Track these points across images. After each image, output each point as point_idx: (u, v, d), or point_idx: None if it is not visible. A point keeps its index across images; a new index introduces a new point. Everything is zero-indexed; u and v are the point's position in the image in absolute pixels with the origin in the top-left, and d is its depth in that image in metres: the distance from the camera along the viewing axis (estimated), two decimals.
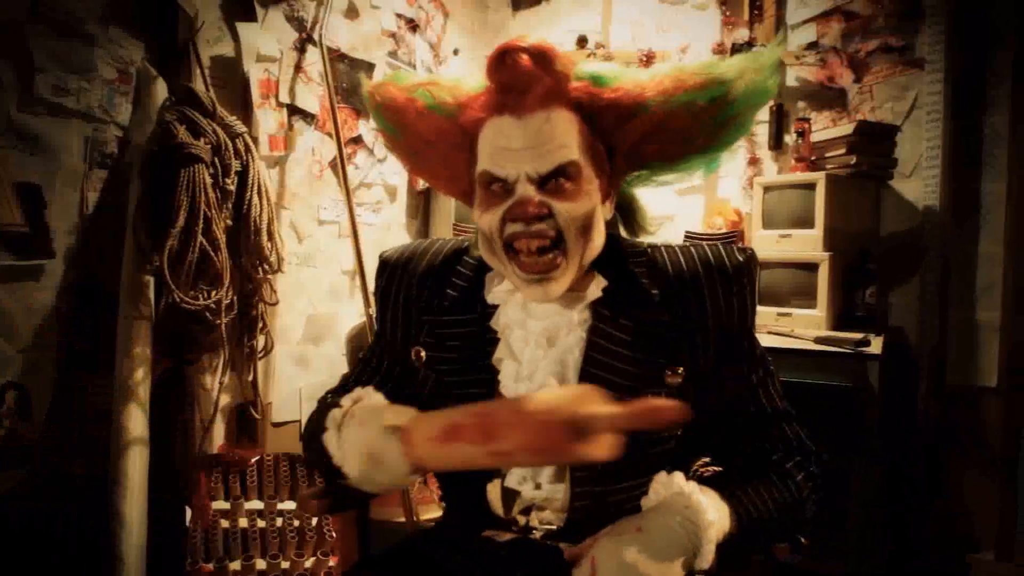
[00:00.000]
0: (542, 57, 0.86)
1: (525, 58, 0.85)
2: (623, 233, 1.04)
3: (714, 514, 0.80)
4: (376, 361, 1.11)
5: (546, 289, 0.90)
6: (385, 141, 1.08)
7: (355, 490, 0.85)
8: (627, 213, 1.03)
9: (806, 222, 2.21)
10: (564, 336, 0.94)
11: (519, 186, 0.88)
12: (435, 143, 0.97)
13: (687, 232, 2.60)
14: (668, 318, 0.93)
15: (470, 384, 0.97)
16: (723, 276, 0.94)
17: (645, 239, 1.04)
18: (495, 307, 0.98)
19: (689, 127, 0.90)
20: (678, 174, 0.98)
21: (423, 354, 1.01)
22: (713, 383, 0.95)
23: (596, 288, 0.95)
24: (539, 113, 0.87)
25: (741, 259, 0.96)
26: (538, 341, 0.94)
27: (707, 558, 0.78)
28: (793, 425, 0.98)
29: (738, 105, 0.89)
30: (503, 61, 0.87)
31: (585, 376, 0.91)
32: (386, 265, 1.08)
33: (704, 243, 0.99)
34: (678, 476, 0.84)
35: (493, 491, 0.95)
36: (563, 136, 0.87)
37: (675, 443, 0.95)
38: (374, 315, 1.12)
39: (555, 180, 0.88)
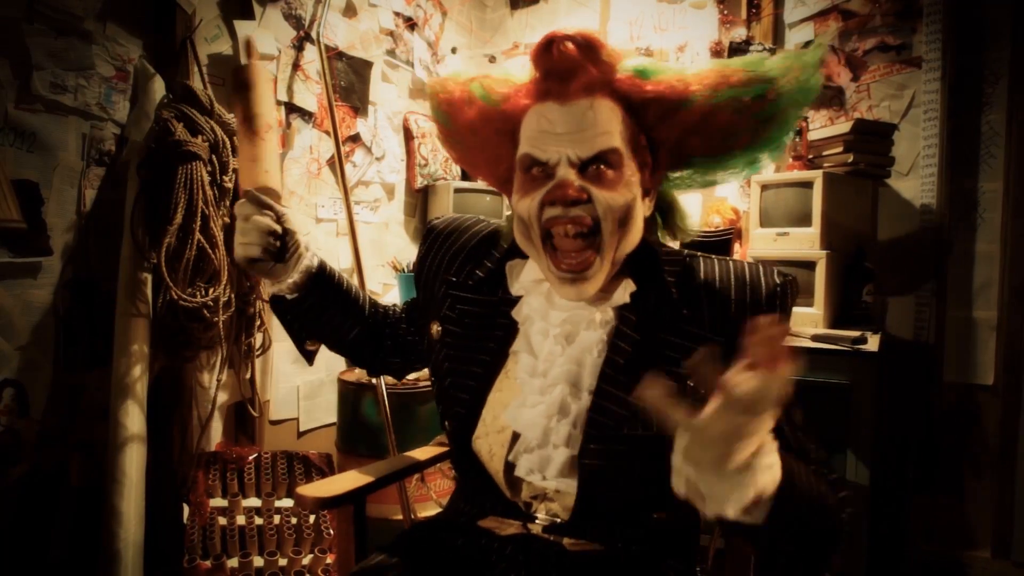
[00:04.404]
0: (589, 47, 0.87)
1: (571, 47, 0.86)
2: (662, 235, 1.03)
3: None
4: (406, 312, 1.21)
5: (580, 289, 0.90)
6: (439, 133, 1.10)
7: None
8: (667, 214, 1.02)
9: (803, 220, 2.21)
10: (583, 333, 0.93)
11: (559, 169, 0.88)
12: (479, 130, 0.99)
13: None
14: (695, 331, 0.91)
15: (473, 363, 0.99)
16: (755, 299, 0.93)
17: (685, 241, 1.03)
18: (515, 297, 0.99)
19: (733, 123, 0.89)
20: (721, 174, 0.97)
21: (437, 328, 1.04)
22: None
23: (624, 292, 0.93)
24: (583, 100, 0.87)
25: (778, 282, 0.94)
26: (556, 337, 0.94)
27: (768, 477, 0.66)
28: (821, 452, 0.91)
29: (782, 102, 0.88)
30: (549, 49, 0.87)
31: (604, 380, 0.90)
32: (431, 232, 1.14)
33: (746, 262, 0.97)
34: None
35: (497, 474, 0.96)
36: (606, 123, 0.88)
37: None
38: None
39: (596, 167, 0.88)
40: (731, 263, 0.96)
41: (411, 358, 1.22)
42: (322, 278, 1.10)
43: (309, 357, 1.20)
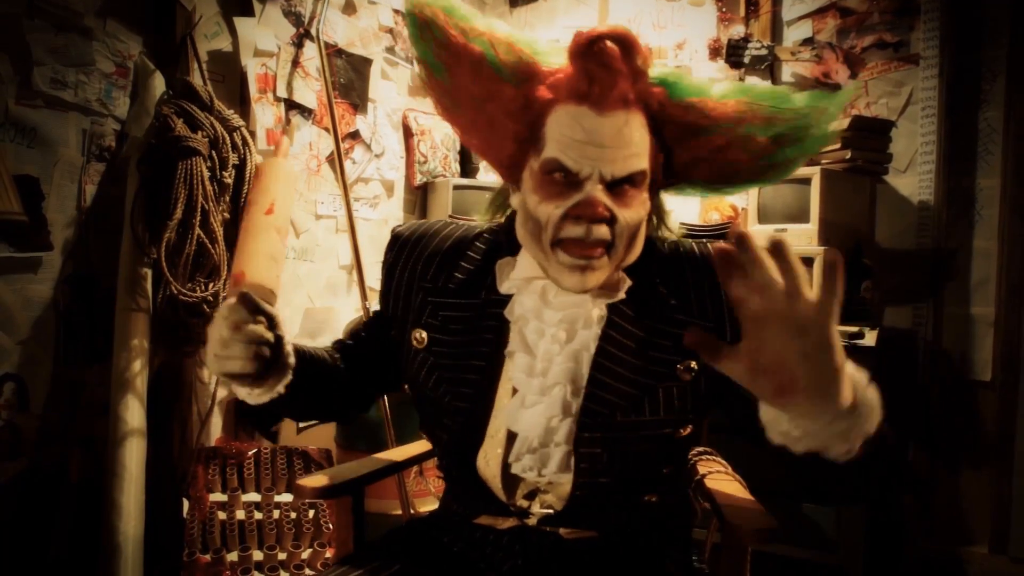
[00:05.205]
0: (629, 48, 0.84)
1: (615, 48, 0.83)
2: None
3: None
4: (366, 332, 1.11)
5: (584, 278, 0.88)
6: (422, 72, 0.97)
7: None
8: (653, 214, 1.00)
9: (801, 217, 2.21)
10: (581, 330, 0.93)
11: (588, 184, 0.85)
12: (484, 103, 0.92)
13: (681, 224, 2.61)
14: (683, 316, 0.92)
15: (468, 369, 0.96)
16: None
17: (668, 238, 1.02)
18: (504, 297, 0.97)
19: (741, 161, 0.90)
20: (711, 193, 0.99)
21: (424, 336, 1.00)
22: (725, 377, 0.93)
23: (620, 288, 0.94)
24: (620, 112, 0.85)
25: None
26: (555, 335, 0.92)
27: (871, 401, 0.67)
28: None
29: (794, 150, 0.89)
30: (591, 48, 0.83)
31: (597, 369, 0.91)
32: (396, 240, 1.08)
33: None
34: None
35: (494, 479, 0.95)
36: (639, 143, 0.86)
37: (682, 443, 0.95)
38: (378, 290, 1.11)
39: (622, 185, 0.86)
40: (709, 245, 0.98)
41: (385, 381, 1.13)
42: (302, 364, 0.93)
43: (273, 437, 1.08)
